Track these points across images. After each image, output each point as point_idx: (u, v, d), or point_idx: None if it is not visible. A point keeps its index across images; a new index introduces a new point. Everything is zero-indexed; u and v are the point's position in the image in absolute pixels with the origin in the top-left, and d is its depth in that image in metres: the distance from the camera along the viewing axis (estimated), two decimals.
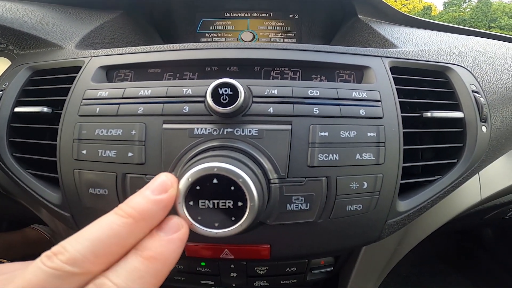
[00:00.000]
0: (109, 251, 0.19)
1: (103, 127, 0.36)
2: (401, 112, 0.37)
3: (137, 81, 0.40)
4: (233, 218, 0.24)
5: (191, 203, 0.23)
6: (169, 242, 0.20)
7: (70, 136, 0.37)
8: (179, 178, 0.24)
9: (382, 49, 0.43)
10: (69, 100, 0.39)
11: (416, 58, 0.43)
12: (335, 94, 0.36)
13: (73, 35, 0.51)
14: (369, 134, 0.35)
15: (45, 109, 0.41)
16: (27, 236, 0.83)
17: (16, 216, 0.77)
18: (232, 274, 0.44)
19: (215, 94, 0.32)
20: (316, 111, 0.35)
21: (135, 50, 0.43)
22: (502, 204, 0.56)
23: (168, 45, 0.42)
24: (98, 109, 0.37)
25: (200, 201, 0.23)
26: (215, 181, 0.24)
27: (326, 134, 0.34)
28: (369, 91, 0.37)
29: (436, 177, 0.40)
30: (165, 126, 0.35)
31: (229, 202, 0.24)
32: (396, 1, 29.12)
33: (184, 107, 0.35)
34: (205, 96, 0.34)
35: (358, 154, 0.35)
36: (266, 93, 0.35)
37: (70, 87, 0.40)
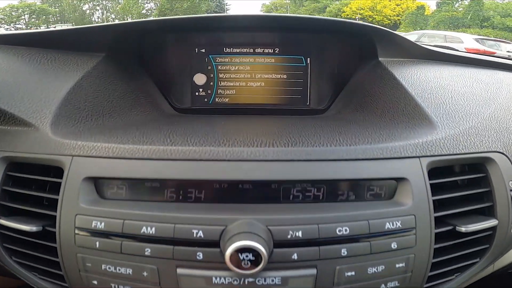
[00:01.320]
0: None
1: (110, 263, 0.33)
2: (435, 228, 0.34)
3: (135, 206, 0.34)
4: None
5: None
6: None
7: (75, 265, 0.34)
8: None
9: (419, 140, 0.35)
10: (60, 219, 0.35)
11: (457, 152, 0.36)
12: (366, 228, 0.32)
13: (46, 103, 0.40)
14: (397, 265, 0.33)
15: (34, 228, 0.36)
16: None
17: None
18: None
19: (235, 258, 0.29)
20: (344, 253, 0.32)
21: (126, 152, 0.34)
22: None
23: (168, 149, 0.34)
24: (97, 243, 0.33)
25: None
26: None
27: (353, 273, 0.32)
28: (403, 218, 0.33)
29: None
30: (179, 271, 0.32)
31: None
32: (390, 1, 25.79)
33: (198, 254, 0.31)
34: (223, 254, 0.30)
35: (383, 285, 0.34)
36: (289, 236, 0.31)
37: (57, 200, 0.35)
